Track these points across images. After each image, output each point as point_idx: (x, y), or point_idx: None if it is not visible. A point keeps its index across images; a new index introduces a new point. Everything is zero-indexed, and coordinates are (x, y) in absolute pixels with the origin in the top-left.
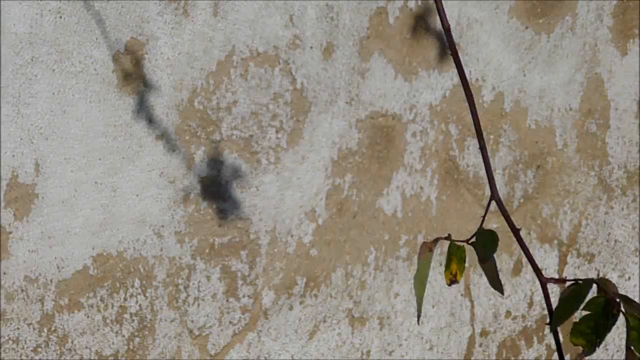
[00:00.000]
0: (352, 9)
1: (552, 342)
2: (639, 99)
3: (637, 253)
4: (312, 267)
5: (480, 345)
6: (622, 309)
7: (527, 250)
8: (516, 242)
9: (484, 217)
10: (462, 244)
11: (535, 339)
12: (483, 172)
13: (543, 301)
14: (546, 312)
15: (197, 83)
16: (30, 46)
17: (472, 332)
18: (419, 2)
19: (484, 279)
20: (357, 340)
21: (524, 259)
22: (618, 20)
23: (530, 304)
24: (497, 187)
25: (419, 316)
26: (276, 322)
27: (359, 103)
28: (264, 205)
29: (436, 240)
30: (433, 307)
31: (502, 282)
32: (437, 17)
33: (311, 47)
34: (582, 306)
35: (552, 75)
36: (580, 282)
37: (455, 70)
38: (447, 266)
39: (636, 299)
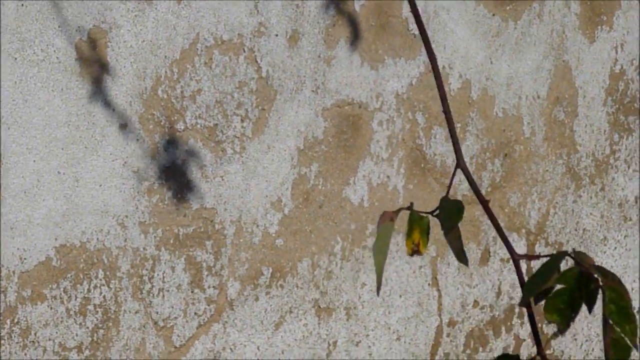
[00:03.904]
0: None
1: (520, 332)
2: (607, 86)
3: (606, 242)
4: (278, 258)
5: (448, 335)
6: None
7: (498, 224)
8: (483, 232)
9: (449, 186)
10: (425, 214)
11: (503, 328)
12: (450, 161)
13: (511, 291)
14: (514, 301)
15: (160, 71)
16: None
17: (439, 322)
18: None
19: (452, 268)
20: (323, 331)
21: (492, 248)
22: (586, 7)
23: (499, 294)
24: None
25: (378, 288)
26: (242, 313)
27: (325, 91)
28: (229, 195)
29: (398, 210)
30: (400, 297)
31: (470, 272)
32: (403, 4)
33: (276, 35)
34: (556, 280)
35: (519, 63)
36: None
37: (423, 58)
38: (409, 234)
39: None
